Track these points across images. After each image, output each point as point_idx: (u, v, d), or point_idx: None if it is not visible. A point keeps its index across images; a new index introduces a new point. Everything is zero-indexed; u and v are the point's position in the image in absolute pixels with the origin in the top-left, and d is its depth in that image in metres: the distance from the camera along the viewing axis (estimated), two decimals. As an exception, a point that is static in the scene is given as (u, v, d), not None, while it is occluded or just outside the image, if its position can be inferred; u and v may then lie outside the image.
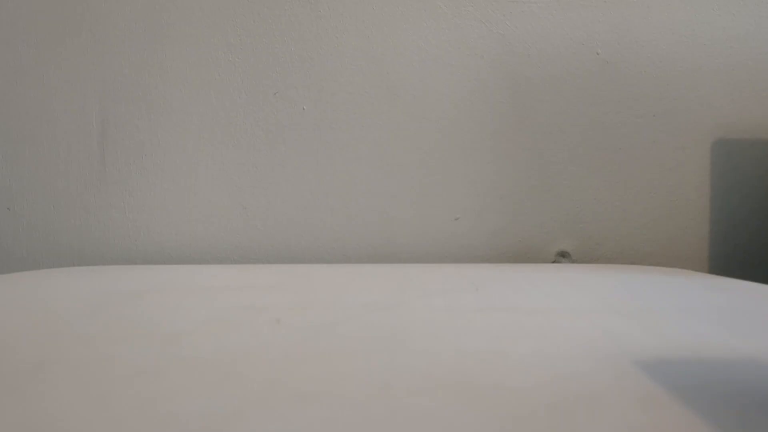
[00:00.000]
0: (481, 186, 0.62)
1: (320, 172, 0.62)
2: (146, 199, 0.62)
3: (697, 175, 0.62)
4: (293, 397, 0.19)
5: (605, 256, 0.63)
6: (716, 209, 0.62)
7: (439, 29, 0.60)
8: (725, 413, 0.17)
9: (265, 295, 0.38)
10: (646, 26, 0.60)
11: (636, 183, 0.62)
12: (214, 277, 0.48)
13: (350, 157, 0.61)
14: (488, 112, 0.61)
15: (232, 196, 0.62)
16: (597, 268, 0.52)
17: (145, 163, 0.62)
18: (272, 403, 0.18)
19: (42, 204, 0.63)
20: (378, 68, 0.60)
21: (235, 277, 0.47)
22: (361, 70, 0.60)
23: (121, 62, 0.61)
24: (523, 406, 0.18)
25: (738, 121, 0.61)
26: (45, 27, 0.61)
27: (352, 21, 0.60)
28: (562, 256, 0.62)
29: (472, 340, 0.26)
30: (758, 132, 0.62)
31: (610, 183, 0.62)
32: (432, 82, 0.61)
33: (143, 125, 0.61)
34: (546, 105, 0.61)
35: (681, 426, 0.16)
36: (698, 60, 0.61)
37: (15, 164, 0.62)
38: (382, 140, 0.61)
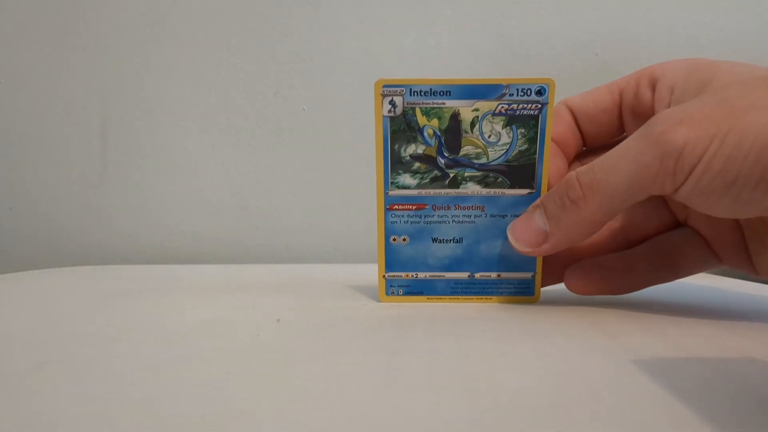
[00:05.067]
0: (481, 186, 0.61)
1: (320, 172, 0.62)
2: (146, 199, 0.62)
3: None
4: (293, 397, 0.19)
5: (605, 256, 0.63)
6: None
7: (439, 29, 0.60)
8: (725, 413, 0.17)
9: (265, 295, 0.38)
10: (646, 27, 0.60)
11: (636, 183, 0.62)
12: (214, 277, 0.48)
13: (350, 157, 0.61)
14: (488, 113, 0.61)
15: (232, 196, 0.62)
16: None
17: (145, 163, 0.62)
18: (272, 403, 0.18)
19: (43, 204, 0.63)
20: (378, 68, 0.60)
21: (236, 277, 0.47)
22: (361, 70, 0.60)
23: (121, 62, 0.61)
24: (523, 406, 0.18)
25: (738, 122, 0.61)
26: (45, 27, 0.61)
27: (352, 21, 0.60)
28: (562, 256, 0.62)
29: (472, 340, 0.26)
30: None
31: (609, 183, 0.62)
32: (432, 83, 0.61)
33: (143, 125, 0.61)
34: (546, 105, 0.61)
35: (680, 426, 0.16)
36: (698, 60, 0.61)
37: (16, 164, 0.62)
38: (382, 140, 0.61)
